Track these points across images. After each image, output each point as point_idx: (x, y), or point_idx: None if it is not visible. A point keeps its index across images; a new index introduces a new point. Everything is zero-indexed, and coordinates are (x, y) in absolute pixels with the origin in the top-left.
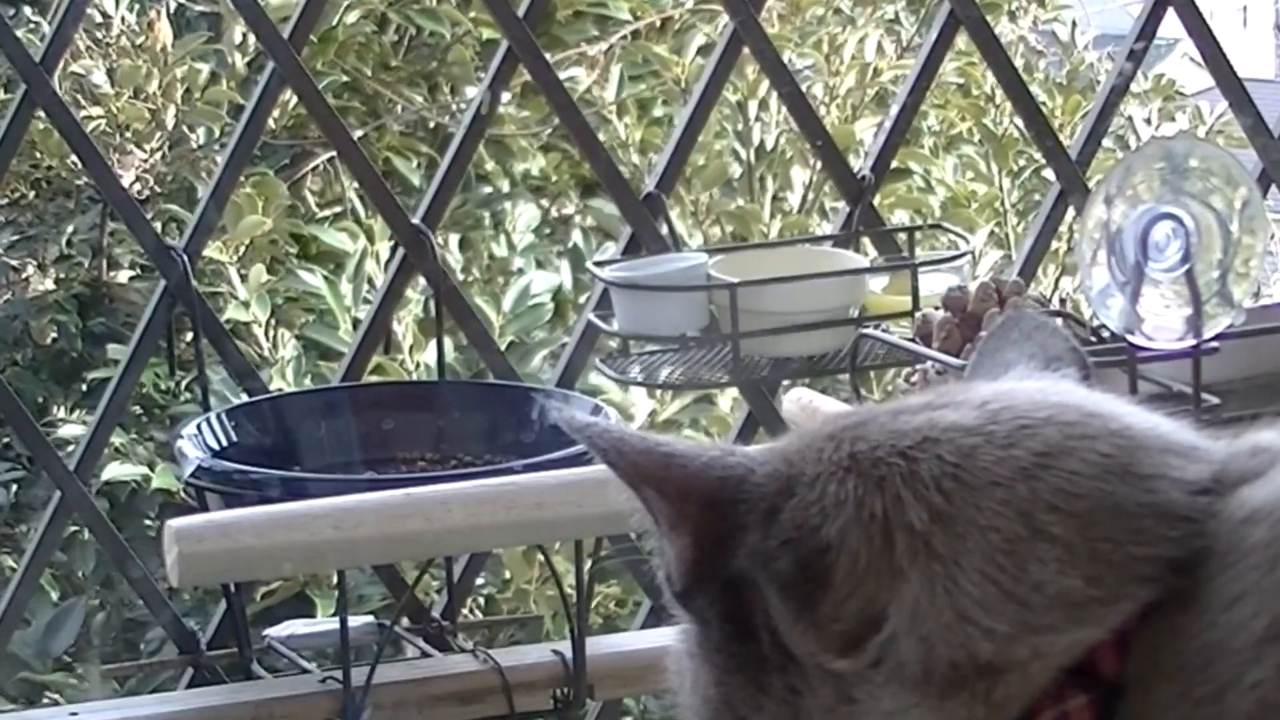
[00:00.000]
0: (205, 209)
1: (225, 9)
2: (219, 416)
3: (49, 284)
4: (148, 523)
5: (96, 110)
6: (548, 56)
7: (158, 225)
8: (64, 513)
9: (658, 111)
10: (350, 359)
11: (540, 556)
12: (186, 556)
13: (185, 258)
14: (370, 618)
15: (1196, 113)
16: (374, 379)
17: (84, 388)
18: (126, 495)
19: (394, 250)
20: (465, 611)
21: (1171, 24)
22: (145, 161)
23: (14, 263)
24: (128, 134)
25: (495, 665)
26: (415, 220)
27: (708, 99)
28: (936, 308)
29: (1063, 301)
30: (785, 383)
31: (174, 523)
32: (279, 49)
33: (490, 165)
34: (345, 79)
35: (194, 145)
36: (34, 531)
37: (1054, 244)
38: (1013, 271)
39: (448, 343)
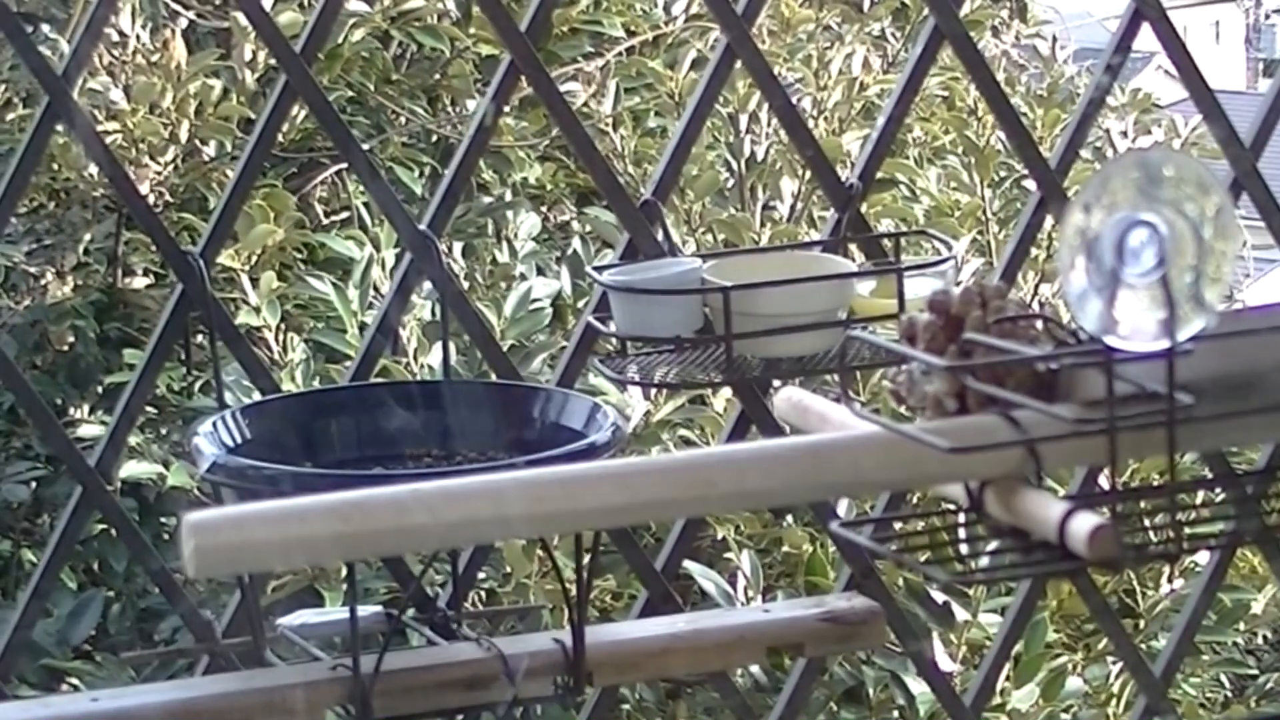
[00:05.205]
0: (220, 216)
1: (236, 27)
2: (233, 414)
3: (67, 290)
4: (164, 521)
5: (113, 125)
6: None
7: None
8: (85, 507)
9: (652, 123)
10: (359, 361)
11: (540, 552)
12: (202, 549)
13: (201, 263)
14: (379, 608)
15: (1171, 125)
16: (381, 380)
17: (100, 390)
18: (144, 495)
19: (400, 256)
20: (467, 604)
21: (1147, 38)
22: (159, 174)
23: (33, 270)
24: (143, 147)
25: (499, 653)
26: (422, 226)
27: (701, 110)
28: (921, 310)
29: (1042, 305)
30: (776, 382)
31: (190, 516)
32: (292, 64)
33: (488, 174)
34: (350, 93)
35: (206, 158)
36: (54, 526)
37: (1034, 251)
38: (994, 277)
39: (451, 346)
